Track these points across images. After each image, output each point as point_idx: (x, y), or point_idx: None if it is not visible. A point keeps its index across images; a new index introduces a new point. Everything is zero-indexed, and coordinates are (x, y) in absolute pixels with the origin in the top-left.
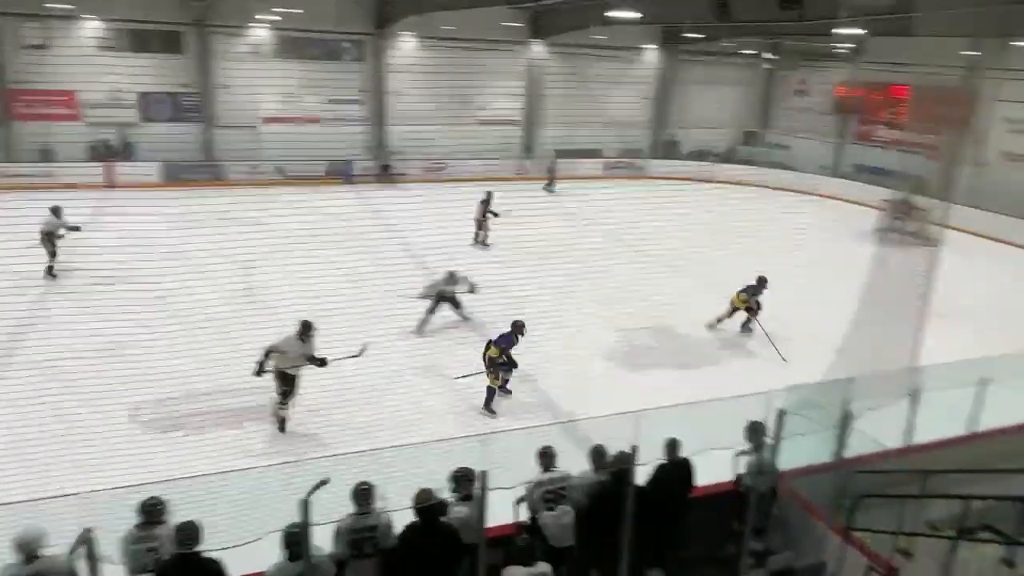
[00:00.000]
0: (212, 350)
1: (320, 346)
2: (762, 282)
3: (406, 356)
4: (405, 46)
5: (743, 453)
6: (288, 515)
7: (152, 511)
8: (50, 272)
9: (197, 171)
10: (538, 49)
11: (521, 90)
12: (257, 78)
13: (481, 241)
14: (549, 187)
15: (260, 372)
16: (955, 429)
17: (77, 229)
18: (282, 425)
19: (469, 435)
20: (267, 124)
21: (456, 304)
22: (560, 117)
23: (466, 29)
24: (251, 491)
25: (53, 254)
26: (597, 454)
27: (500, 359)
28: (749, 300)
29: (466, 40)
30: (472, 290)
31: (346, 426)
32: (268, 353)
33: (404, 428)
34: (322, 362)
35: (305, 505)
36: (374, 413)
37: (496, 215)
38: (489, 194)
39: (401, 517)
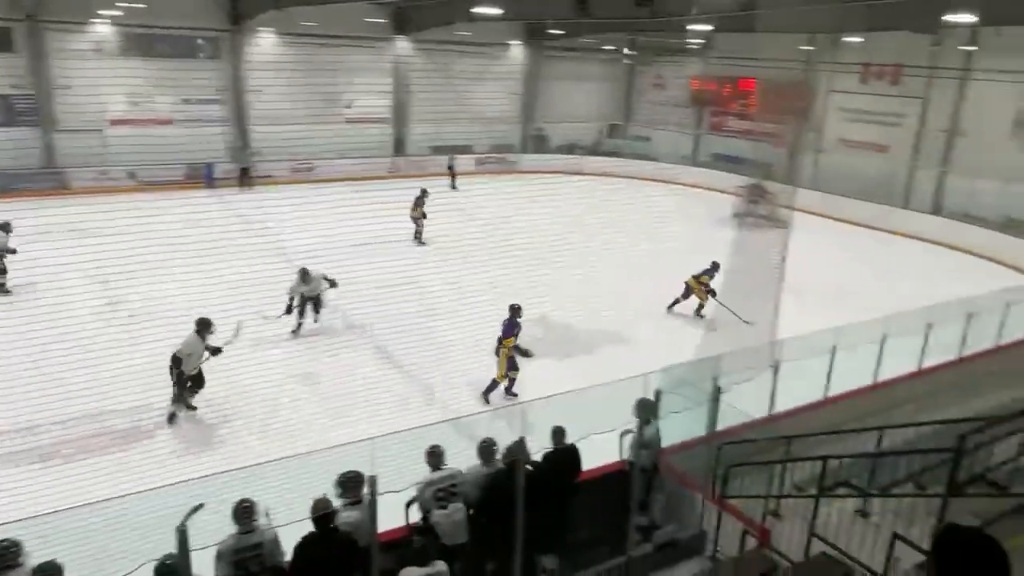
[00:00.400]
0: (72, 373)
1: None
2: (715, 266)
3: (283, 364)
4: (264, 42)
5: (628, 432)
6: (164, 544)
7: (4, 555)
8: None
9: (36, 179)
10: (403, 45)
11: (388, 87)
12: (101, 78)
13: (417, 237)
14: (453, 184)
15: (180, 382)
16: (812, 395)
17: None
18: (172, 418)
19: (356, 440)
20: (114, 127)
21: (317, 305)
22: (429, 114)
23: (328, 25)
24: (123, 520)
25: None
26: (486, 447)
27: (513, 349)
28: (707, 284)
29: (328, 36)
30: (333, 284)
31: (228, 442)
32: (177, 361)
33: (288, 438)
34: (217, 351)
35: (182, 533)
36: (259, 425)
37: (424, 216)
38: (423, 191)
39: (289, 532)
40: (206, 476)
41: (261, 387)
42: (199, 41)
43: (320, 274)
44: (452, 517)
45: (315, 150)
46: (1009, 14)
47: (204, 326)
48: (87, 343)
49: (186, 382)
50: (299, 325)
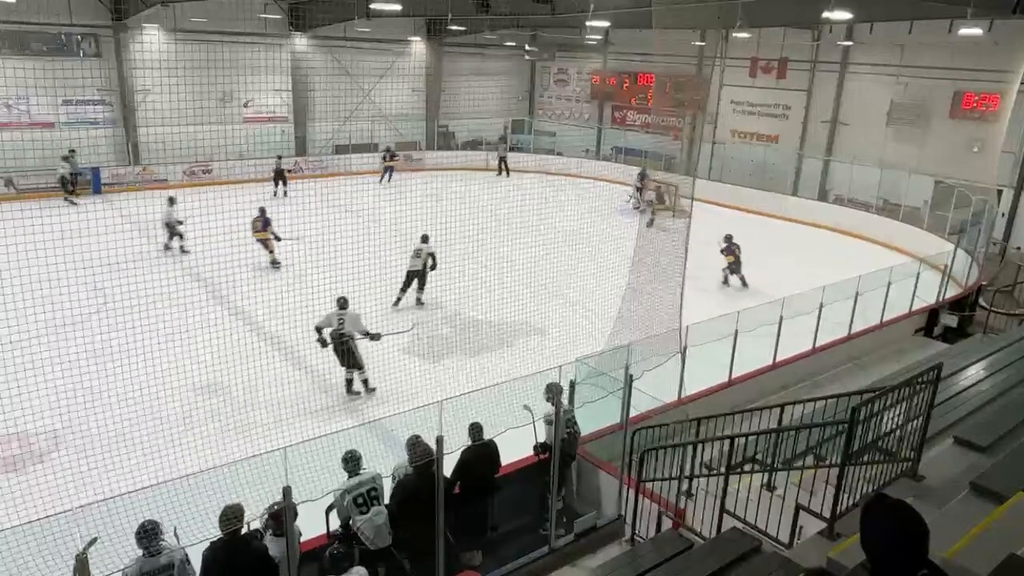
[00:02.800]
0: None
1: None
2: (729, 238)
3: (186, 373)
4: (150, 39)
5: (547, 418)
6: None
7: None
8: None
9: None
10: (301, 42)
11: (287, 85)
12: None
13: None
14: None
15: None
16: (718, 378)
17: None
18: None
19: (270, 450)
20: None
21: (422, 281)
22: (331, 112)
23: (219, 21)
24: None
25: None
26: (413, 445)
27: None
28: (733, 254)
29: (220, 33)
30: (434, 266)
31: (125, 465)
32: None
33: (197, 452)
34: (375, 336)
35: (82, 563)
36: (163, 441)
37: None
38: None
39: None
40: (98, 501)
41: (171, 402)
42: (78, 38)
43: (429, 251)
44: (374, 521)
45: (211, 152)
46: (880, 12)
47: (342, 303)
48: None
49: (343, 358)
50: (398, 300)
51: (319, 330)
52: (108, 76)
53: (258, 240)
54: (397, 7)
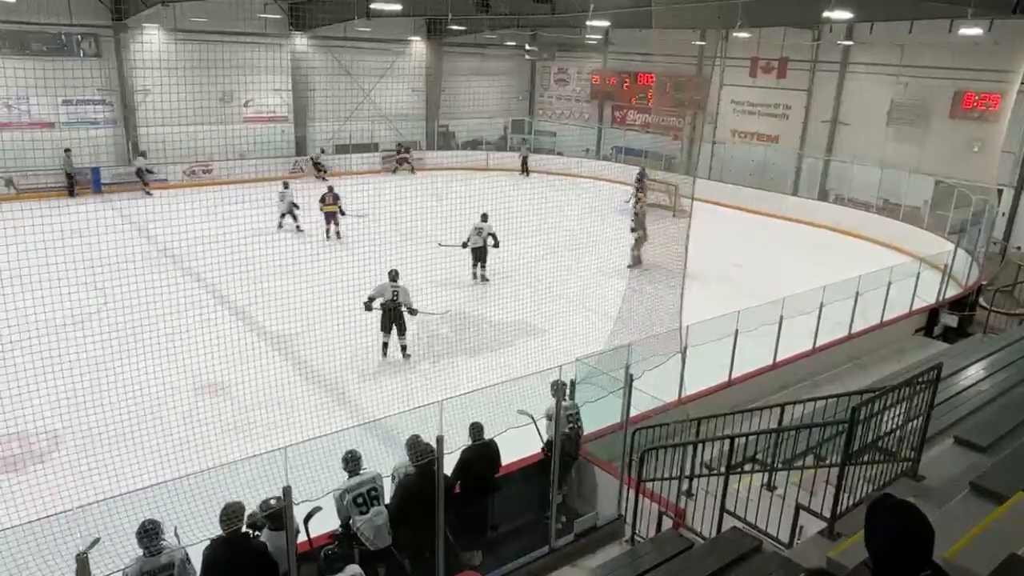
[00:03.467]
0: None
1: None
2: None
3: (187, 373)
4: (151, 39)
5: (549, 417)
6: None
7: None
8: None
9: None
10: (301, 42)
11: (287, 85)
12: None
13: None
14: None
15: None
16: (718, 378)
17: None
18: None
19: (270, 450)
20: None
21: (483, 258)
22: (331, 112)
23: (219, 21)
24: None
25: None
26: (413, 445)
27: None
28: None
29: (220, 33)
30: (496, 244)
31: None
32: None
33: (197, 452)
34: (413, 311)
35: (83, 563)
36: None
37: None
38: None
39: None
40: (98, 501)
41: (169, 402)
42: (78, 38)
43: (489, 231)
44: (374, 522)
45: (211, 152)
46: (880, 12)
47: (393, 276)
48: None
49: (391, 324)
50: (474, 274)
51: (371, 299)
52: (108, 76)
53: (325, 212)
54: (397, 7)
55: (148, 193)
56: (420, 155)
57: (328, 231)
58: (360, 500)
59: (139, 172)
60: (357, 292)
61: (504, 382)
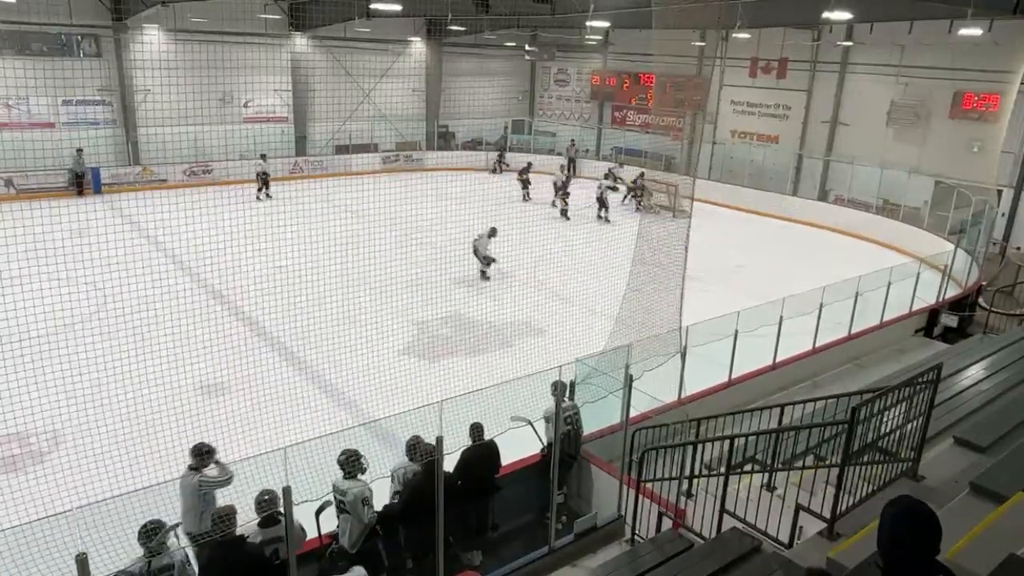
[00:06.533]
0: None
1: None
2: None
3: (188, 374)
4: (150, 40)
5: (548, 417)
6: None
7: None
8: None
9: None
10: (301, 42)
11: (287, 86)
12: None
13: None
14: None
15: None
16: (717, 378)
17: None
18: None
19: (270, 450)
20: None
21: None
22: (331, 112)
23: (219, 21)
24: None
25: None
26: (415, 445)
27: None
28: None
29: (220, 33)
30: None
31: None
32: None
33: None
34: (490, 260)
35: (83, 563)
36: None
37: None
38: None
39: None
40: (98, 502)
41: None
42: (78, 38)
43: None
44: (344, 529)
45: (211, 152)
46: (880, 12)
47: (493, 232)
48: None
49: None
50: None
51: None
52: (108, 76)
53: (521, 180)
54: (397, 7)
55: (268, 195)
56: (420, 155)
57: None
58: (341, 506)
59: (75, 175)
60: (357, 292)
61: (504, 382)
